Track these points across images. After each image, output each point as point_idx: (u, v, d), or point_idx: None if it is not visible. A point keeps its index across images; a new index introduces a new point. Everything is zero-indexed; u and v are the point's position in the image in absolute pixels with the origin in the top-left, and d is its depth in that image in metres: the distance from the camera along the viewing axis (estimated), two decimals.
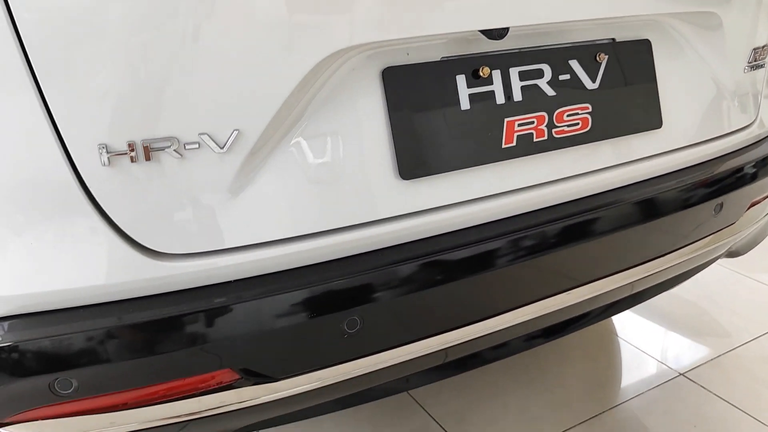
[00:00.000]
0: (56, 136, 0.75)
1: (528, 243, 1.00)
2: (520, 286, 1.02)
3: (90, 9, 0.72)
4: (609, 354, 1.93)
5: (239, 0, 0.77)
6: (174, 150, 0.79)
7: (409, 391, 1.76)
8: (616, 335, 2.02)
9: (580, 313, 1.19)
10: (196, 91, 0.78)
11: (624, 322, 2.09)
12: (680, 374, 1.83)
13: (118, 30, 0.74)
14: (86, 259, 0.79)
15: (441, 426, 1.63)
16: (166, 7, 0.75)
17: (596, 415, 1.67)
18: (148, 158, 0.78)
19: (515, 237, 0.99)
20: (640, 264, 1.15)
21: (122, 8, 0.73)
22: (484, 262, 0.97)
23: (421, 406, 1.70)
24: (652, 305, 2.17)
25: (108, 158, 0.76)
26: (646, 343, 1.97)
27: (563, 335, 1.23)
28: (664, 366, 1.87)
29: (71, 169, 0.76)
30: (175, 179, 0.80)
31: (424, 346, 0.95)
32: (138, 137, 0.77)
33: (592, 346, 1.96)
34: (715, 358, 1.89)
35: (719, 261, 2.39)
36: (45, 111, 0.74)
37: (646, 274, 1.17)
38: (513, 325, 1.04)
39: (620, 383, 1.81)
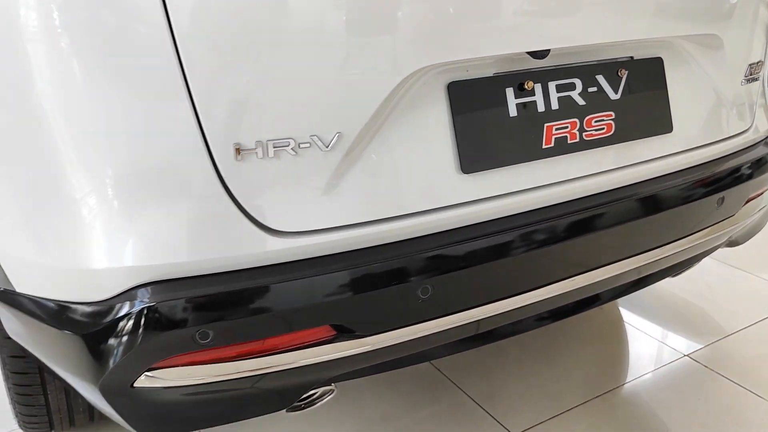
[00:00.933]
0: (201, 135, 0.95)
1: (563, 228, 1.20)
2: (556, 263, 1.22)
3: (233, 35, 0.93)
4: (619, 338, 2.13)
5: (343, 29, 0.98)
6: (291, 148, 0.99)
7: (443, 372, 1.95)
8: (625, 322, 2.22)
9: (606, 288, 1.39)
10: (310, 101, 0.98)
11: (632, 309, 2.29)
12: (685, 355, 2.03)
13: (252, 54, 0.94)
14: (219, 234, 0.99)
15: (475, 402, 1.83)
16: (291, 36, 0.95)
17: (610, 390, 1.87)
18: (270, 155, 0.98)
19: (552, 223, 1.19)
20: (656, 248, 1.36)
21: (257, 34, 0.94)
22: (528, 242, 1.17)
23: (456, 385, 1.90)
24: (658, 295, 2.37)
25: (240, 155, 0.97)
26: (653, 329, 2.17)
27: (590, 309, 1.43)
28: (670, 348, 2.07)
29: (211, 162, 0.96)
30: (290, 171, 1.00)
31: (479, 312, 1.15)
32: (264, 138, 0.97)
33: (602, 332, 2.16)
34: (717, 340, 2.10)
35: (720, 259, 2.60)
36: (195, 116, 0.94)
37: (661, 257, 1.37)
38: (551, 297, 1.24)
39: (630, 364, 2.01)
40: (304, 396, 1.23)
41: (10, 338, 1.35)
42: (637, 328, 2.19)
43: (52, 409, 1.48)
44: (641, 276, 1.46)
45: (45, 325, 1.06)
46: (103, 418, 1.67)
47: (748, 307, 2.29)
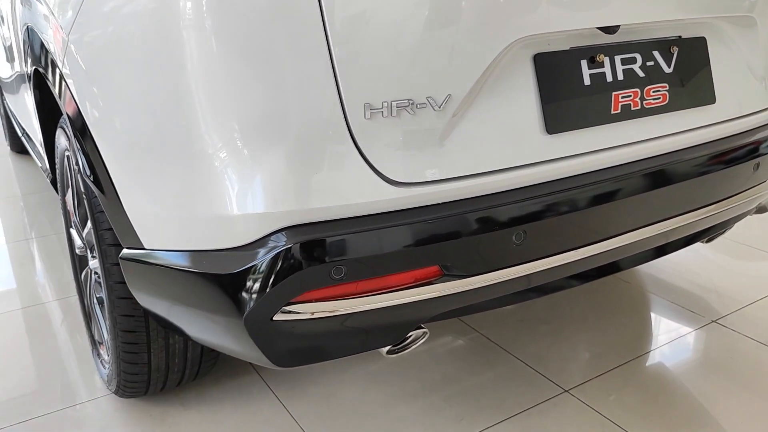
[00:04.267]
0: (338, 95, 1.10)
1: (628, 185, 1.36)
2: (621, 217, 1.38)
3: (369, 10, 1.08)
4: (651, 308, 2.29)
5: (457, 8, 1.13)
6: (410, 108, 1.14)
7: (492, 340, 2.10)
8: (652, 293, 2.38)
9: (656, 245, 1.55)
10: (426, 67, 1.14)
11: (656, 282, 2.46)
12: (712, 321, 2.20)
13: (383, 27, 1.09)
14: (348, 183, 1.13)
15: (527, 364, 1.97)
16: (413, 12, 1.10)
17: (647, 352, 2.03)
18: (394, 114, 1.13)
19: (620, 180, 1.35)
20: (702, 207, 1.52)
21: (386, 10, 1.09)
22: (600, 197, 1.32)
23: (507, 351, 2.04)
24: (682, 265, 2.54)
25: (370, 113, 1.11)
26: (679, 298, 2.34)
27: (640, 264, 1.59)
28: (698, 315, 2.23)
29: (344, 119, 1.11)
30: (408, 129, 1.15)
31: (564, 257, 1.30)
32: (390, 98, 1.12)
33: (635, 303, 2.32)
34: (742, 307, 2.26)
35: (729, 237, 2.77)
36: (334, 78, 1.09)
37: (704, 217, 1.54)
38: (615, 248, 1.39)
39: (662, 329, 2.17)
40: (402, 339, 1.36)
41: (123, 298, 1.48)
42: (663, 297, 2.35)
43: (152, 368, 1.60)
44: (683, 236, 1.62)
45: (188, 274, 1.19)
46: (189, 381, 1.80)
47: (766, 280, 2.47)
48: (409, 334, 1.36)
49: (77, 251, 1.94)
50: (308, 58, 1.08)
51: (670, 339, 2.10)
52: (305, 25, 1.06)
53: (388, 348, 1.33)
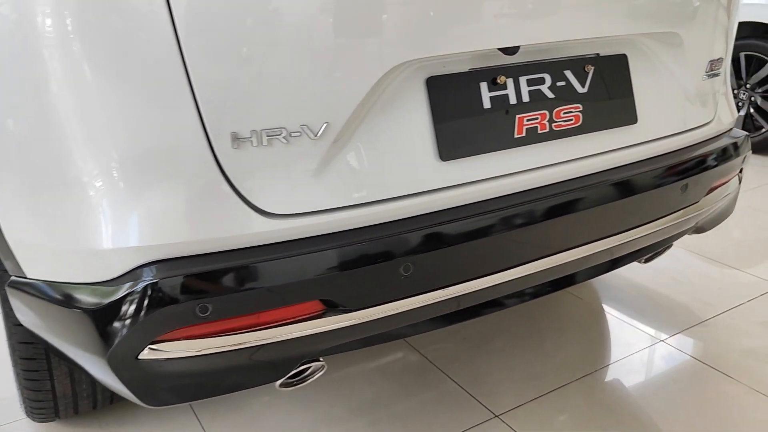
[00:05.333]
0: (201, 125, 1.04)
1: (533, 212, 1.30)
2: (526, 245, 1.32)
3: (231, 34, 1.02)
4: (599, 325, 2.23)
5: (332, 25, 1.07)
6: (283, 137, 1.08)
7: (431, 360, 2.04)
8: (604, 310, 2.32)
9: (571, 272, 1.48)
10: (300, 94, 1.08)
11: (610, 298, 2.40)
12: (660, 341, 2.13)
13: (247, 51, 1.03)
14: (217, 217, 1.08)
15: (461, 386, 1.92)
16: (283, 34, 1.04)
17: (590, 373, 1.96)
18: (264, 143, 1.07)
19: (523, 207, 1.29)
20: (622, 232, 1.45)
21: (252, 32, 1.03)
22: (500, 225, 1.26)
23: (442, 371, 1.99)
24: (635, 284, 2.48)
25: (237, 143, 1.06)
26: (631, 317, 2.27)
27: (558, 290, 1.53)
28: (647, 334, 2.17)
29: (210, 150, 1.05)
30: (282, 158, 1.09)
31: (456, 289, 1.24)
32: (259, 127, 1.06)
33: (583, 320, 2.26)
34: (689, 328, 2.20)
35: (693, 250, 2.71)
36: (195, 107, 1.03)
37: (626, 241, 1.47)
38: (523, 277, 1.33)
39: (609, 348, 2.10)
40: (297, 372, 1.31)
41: (19, 325, 1.43)
42: (614, 315, 2.29)
43: (58, 394, 1.55)
44: (611, 258, 1.55)
45: (57, 307, 1.14)
46: (105, 405, 1.75)
47: (719, 297, 2.40)
48: (307, 366, 1.31)
49: None
50: (167, 88, 1.02)
51: (615, 359, 2.04)
52: (161, 52, 1.00)
53: (280, 381, 1.28)
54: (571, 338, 2.14)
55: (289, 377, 1.31)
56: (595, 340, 2.14)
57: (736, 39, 3.97)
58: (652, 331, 2.19)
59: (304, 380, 1.34)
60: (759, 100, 3.95)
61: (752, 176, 3.72)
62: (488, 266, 1.28)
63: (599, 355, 2.06)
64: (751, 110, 4.00)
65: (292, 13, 1.04)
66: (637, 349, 2.09)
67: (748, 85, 3.99)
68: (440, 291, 1.23)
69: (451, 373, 1.98)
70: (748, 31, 3.98)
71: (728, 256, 2.72)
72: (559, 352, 2.07)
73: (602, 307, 2.34)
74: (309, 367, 1.32)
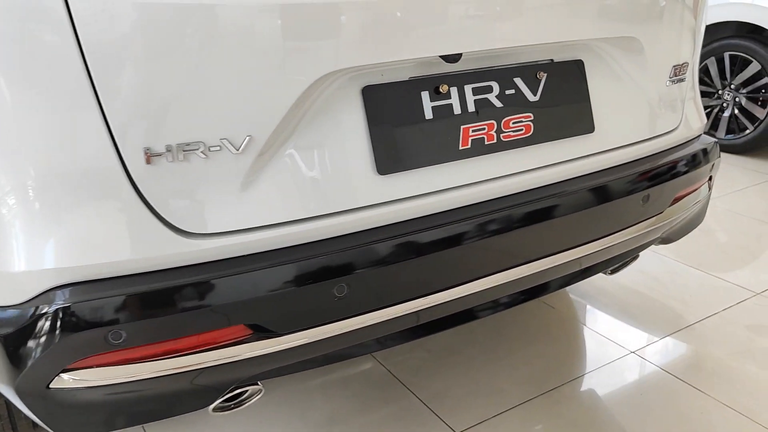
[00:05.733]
0: (112, 141, 0.97)
1: (480, 228, 1.23)
2: (473, 263, 1.25)
3: (138, 42, 0.95)
4: (569, 336, 2.17)
5: (252, 33, 1.00)
6: (201, 152, 1.01)
7: (394, 373, 1.98)
8: (576, 320, 2.25)
9: (529, 286, 1.42)
10: (217, 106, 1.01)
11: (583, 307, 2.33)
12: (631, 352, 2.07)
13: (159, 61, 0.96)
14: (133, 237, 1.01)
15: (422, 401, 1.85)
16: (194, 43, 0.98)
17: (555, 387, 1.90)
18: (180, 158, 1.01)
19: (470, 222, 1.22)
20: (579, 246, 1.39)
21: (162, 45, 0.96)
22: (444, 242, 1.20)
23: (404, 386, 1.92)
24: (608, 293, 2.42)
25: (150, 158, 0.99)
26: (602, 327, 2.21)
27: (515, 305, 1.46)
28: (617, 345, 2.10)
29: (122, 167, 0.99)
30: (201, 174, 1.03)
31: (398, 309, 1.18)
32: (174, 142, 1.00)
33: (553, 330, 2.19)
34: (662, 338, 2.14)
35: (670, 255, 2.65)
36: (104, 123, 0.96)
37: (585, 254, 1.41)
38: (468, 295, 1.27)
39: (578, 361, 2.04)
40: (233, 395, 1.25)
41: None
42: (586, 325, 2.22)
43: None
44: (568, 273, 1.49)
45: None
46: None
47: (694, 305, 2.34)
48: (244, 390, 1.25)
49: None
50: (75, 102, 0.95)
51: (583, 372, 1.98)
52: (67, 66, 0.93)
53: (213, 406, 1.22)
54: (540, 350, 2.08)
55: (224, 401, 1.25)
56: (564, 352, 2.07)
57: (721, 39, 3.91)
58: (623, 341, 2.12)
59: (240, 404, 1.27)
60: (743, 101, 3.89)
61: (737, 178, 3.66)
62: (433, 284, 1.22)
63: (567, 368, 2.00)
64: (736, 111, 3.94)
65: (206, 20, 0.98)
66: (606, 361, 2.03)
67: (732, 86, 3.93)
68: (379, 311, 1.16)
69: (414, 386, 1.92)
70: (733, 30, 3.92)
71: (707, 263, 2.66)
72: (526, 364, 2.01)
73: (575, 317, 2.28)
74: (245, 391, 1.26)
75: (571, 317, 2.28)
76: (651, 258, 2.68)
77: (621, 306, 2.35)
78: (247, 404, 1.27)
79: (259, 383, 1.26)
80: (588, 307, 2.35)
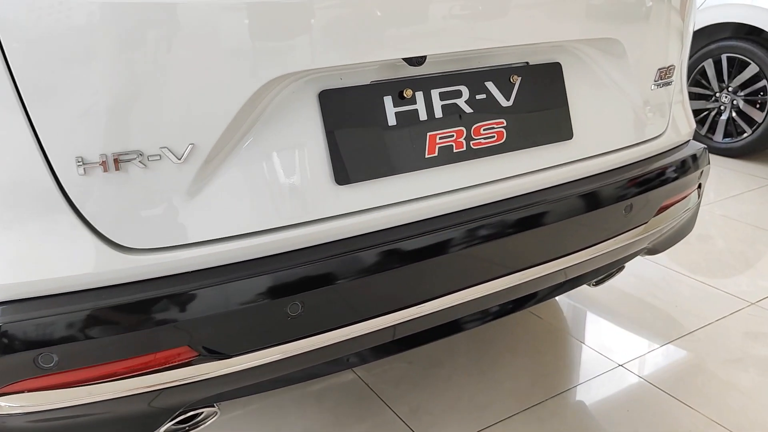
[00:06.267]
0: (40, 151, 0.90)
1: (448, 240, 1.16)
2: (439, 276, 1.18)
3: (68, 46, 0.88)
4: (556, 348, 2.09)
5: (189, 34, 0.93)
6: (139, 161, 0.94)
7: (371, 386, 1.91)
8: (564, 331, 2.18)
9: (503, 301, 1.35)
10: (156, 111, 0.94)
11: (571, 318, 2.26)
12: (619, 365, 1.99)
13: (90, 64, 0.89)
14: (65, 253, 0.94)
15: (400, 417, 1.78)
16: (127, 44, 0.90)
17: (539, 403, 1.83)
18: (117, 168, 0.94)
19: (436, 235, 1.15)
20: (555, 259, 1.32)
21: (92, 47, 0.89)
22: (407, 256, 1.12)
23: (382, 400, 1.85)
24: (598, 303, 2.34)
25: (84, 168, 0.92)
26: (591, 338, 2.13)
27: (489, 321, 1.39)
28: (606, 358, 2.03)
29: (53, 178, 0.92)
30: (140, 185, 0.96)
31: (358, 328, 1.11)
32: (108, 151, 0.93)
33: (540, 341, 2.12)
34: (652, 350, 2.06)
35: (662, 263, 2.57)
36: (31, 130, 0.89)
37: (562, 267, 1.33)
38: (436, 311, 1.19)
39: (564, 374, 1.97)
40: (186, 417, 1.18)
41: None
42: (574, 336, 2.15)
43: None
44: (546, 287, 1.42)
45: None
46: None
47: (686, 315, 2.26)
48: (198, 412, 1.18)
49: None
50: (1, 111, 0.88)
51: (568, 386, 1.90)
52: None
53: (163, 429, 1.15)
54: (524, 363, 2.00)
55: (178, 423, 1.18)
56: (549, 365, 2.00)
57: (718, 40, 3.83)
58: (611, 353, 2.05)
59: (195, 426, 1.20)
60: (741, 104, 3.81)
61: (733, 183, 3.58)
62: (397, 301, 1.14)
63: (551, 381, 1.92)
64: (734, 114, 3.86)
65: (140, 19, 0.90)
66: (592, 375, 1.95)
67: (730, 88, 3.85)
68: (338, 331, 1.09)
69: (391, 401, 1.84)
70: (730, 32, 3.84)
71: (700, 270, 2.58)
72: (510, 378, 1.93)
73: (562, 327, 2.21)
74: (199, 413, 1.19)
75: (558, 328, 2.20)
76: (643, 264, 2.60)
77: (610, 315, 2.27)
78: (202, 426, 1.20)
79: (215, 405, 1.19)
80: (576, 317, 2.28)
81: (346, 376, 1.96)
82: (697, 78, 3.97)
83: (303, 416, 1.79)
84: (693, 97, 3.96)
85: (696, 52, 3.91)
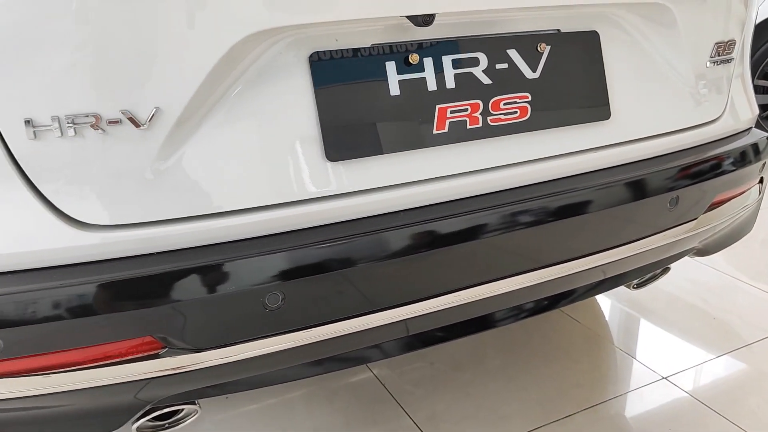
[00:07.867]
0: None
1: (459, 230, 1.02)
2: (447, 271, 1.04)
3: None
4: (592, 356, 1.91)
5: None
6: (95, 125, 0.83)
7: (386, 385, 1.77)
8: (602, 338, 2.00)
9: (524, 301, 1.19)
10: (114, 68, 0.82)
11: (613, 324, 2.07)
12: (663, 377, 1.80)
13: (37, 12, 0.79)
14: (15, 226, 0.84)
15: (415, 423, 1.64)
16: None
17: (568, 416, 1.66)
18: (72, 133, 0.83)
19: (445, 223, 1.00)
20: (588, 255, 1.15)
21: None
22: (411, 246, 0.98)
23: (398, 402, 1.72)
24: (643, 307, 2.14)
25: (33, 132, 0.82)
26: (633, 346, 1.95)
27: (507, 323, 1.24)
28: (648, 369, 1.84)
29: (1, 142, 0.82)
30: (99, 153, 0.85)
31: (348, 325, 0.98)
32: (61, 113, 0.82)
33: (575, 348, 1.94)
34: (702, 363, 1.86)
35: (719, 267, 2.35)
36: None
37: (593, 265, 1.17)
38: (445, 309, 1.05)
39: (599, 385, 1.79)
40: (166, 413, 1.08)
41: None
42: (614, 344, 1.96)
43: None
44: (578, 286, 1.25)
45: None
46: None
47: (741, 326, 2.04)
48: (179, 409, 1.07)
49: None
50: None
51: (603, 399, 1.73)
52: None
53: (137, 426, 1.04)
54: (556, 370, 1.83)
55: (154, 419, 1.07)
56: (583, 374, 1.82)
57: None
58: (654, 364, 1.85)
59: (176, 423, 1.10)
60: None
61: None
62: (400, 296, 1.01)
63: (584, 393, 1.75)
64: None
65: None
66: (632, 388, 1.77)
67: None
68: (324, 327, 0.96)
69: (408, 405, 1.71)
70: None
71: (761, 277, 2.34)
72: (538, 387, 1.77)
73: (601, 334, 2.02)
74: (180, 410, 1.08)
75: (596, 333, 2.02)
76: (697, 268, 2.38)
77: (656, 322, 2.07)
78: (183, 424, 1.10)
79: (196, 402, 1.08)
80: (618, 322, 2.09)
81: (362, 373, 1.83)
82: (766, 71, 3.67)
83: (311, 416, 1.67)
84: (760, 91, 3.67)
85: (762, 45, 3.62)
